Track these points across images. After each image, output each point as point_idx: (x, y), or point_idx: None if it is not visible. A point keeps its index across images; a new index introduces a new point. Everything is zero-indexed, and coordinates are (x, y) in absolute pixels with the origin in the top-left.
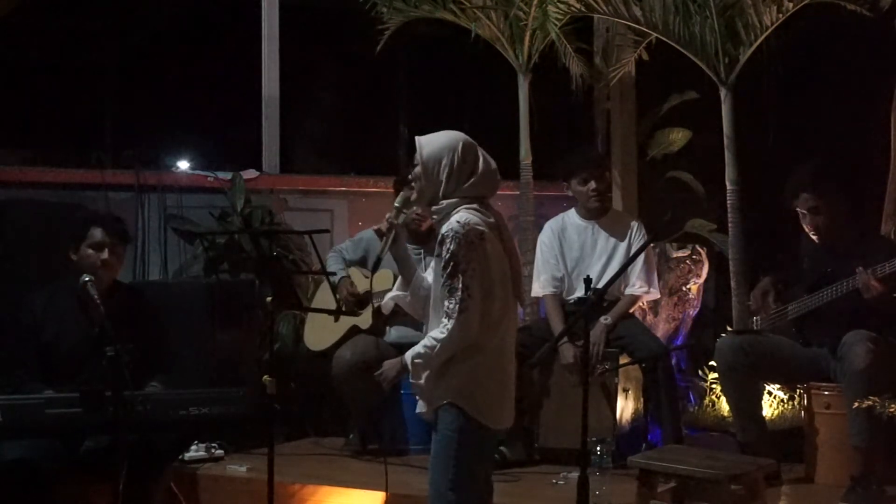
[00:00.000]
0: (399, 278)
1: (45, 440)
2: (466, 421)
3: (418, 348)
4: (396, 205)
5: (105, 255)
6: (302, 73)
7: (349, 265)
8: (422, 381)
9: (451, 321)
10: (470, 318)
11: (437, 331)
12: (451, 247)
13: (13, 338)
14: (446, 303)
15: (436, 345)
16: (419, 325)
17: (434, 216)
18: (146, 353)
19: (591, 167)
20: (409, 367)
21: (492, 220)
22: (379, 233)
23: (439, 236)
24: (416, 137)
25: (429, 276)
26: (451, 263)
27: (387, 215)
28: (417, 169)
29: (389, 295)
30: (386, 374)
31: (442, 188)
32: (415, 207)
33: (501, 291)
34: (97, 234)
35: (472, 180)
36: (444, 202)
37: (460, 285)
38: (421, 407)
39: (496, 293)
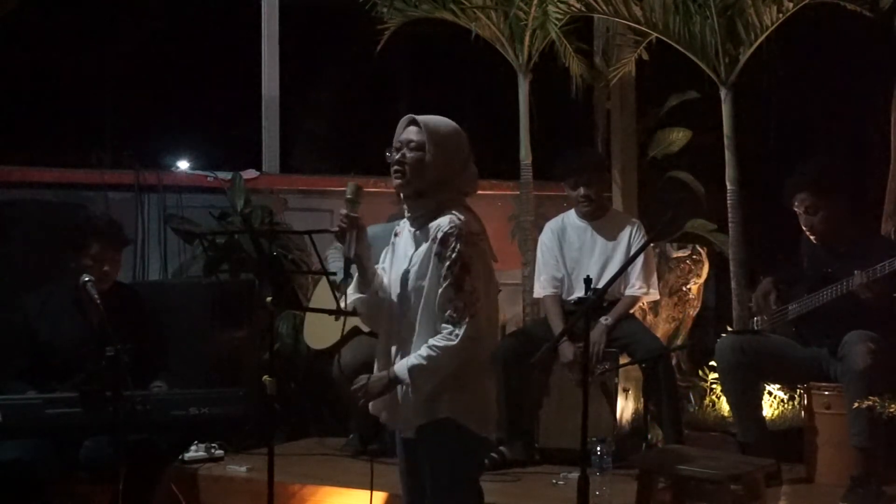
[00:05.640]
0: (355, 280)
1: (44, 440)
2: (467, 436)
3: (415, 359)
4: (349, 196)
5: (105, 268)
6: (302, 73)
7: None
8: (421, 395)
9: (461, 327)
10: (480, 322)
11: (441, 338)
12: (458, 246)
13: (1, 337)
14: (450, 307)
15: (441, 353)
16: None
17: (411, 211)
18: (145, 353)
19: (578, 172)
20: (407, 379)
21: (480, 221)
22: (341, 232)
23: (440, 234)
24: (414, 117)
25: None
26: (459, 263)
27: (341, 211)
28: (419, 154)
29: (351, 298)
30: (370, 389)
31: (444, 177)
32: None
33: (494, 296)
34: (95, 248)
35: (470, 170)
36: (437, 196)
37: (469, 287)
38: (393, 424)
39: (493, 297)
